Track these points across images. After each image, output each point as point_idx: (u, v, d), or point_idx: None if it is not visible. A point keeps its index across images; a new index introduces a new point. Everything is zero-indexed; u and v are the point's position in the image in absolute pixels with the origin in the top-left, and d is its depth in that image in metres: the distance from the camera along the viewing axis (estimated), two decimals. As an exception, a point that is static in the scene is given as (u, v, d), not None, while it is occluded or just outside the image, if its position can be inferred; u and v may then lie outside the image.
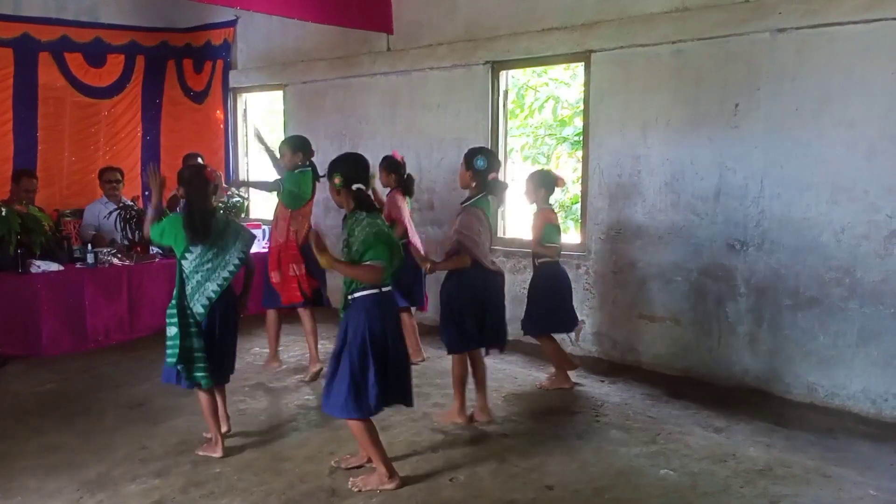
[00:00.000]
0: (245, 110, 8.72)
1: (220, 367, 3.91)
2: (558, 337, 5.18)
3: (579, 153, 6.74)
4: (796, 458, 3.89)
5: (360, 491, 3.50)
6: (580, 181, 5.93)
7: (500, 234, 6.33)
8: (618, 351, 5.65)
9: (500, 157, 6.30)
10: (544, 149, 8.90)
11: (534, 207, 5.04)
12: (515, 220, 6.66)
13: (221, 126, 8.33)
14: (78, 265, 5.97)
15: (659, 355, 5.41)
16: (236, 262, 3.87)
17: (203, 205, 3.79)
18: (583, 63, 5.73)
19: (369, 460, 3.65)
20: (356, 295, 3.44)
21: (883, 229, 4.42)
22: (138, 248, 6.43)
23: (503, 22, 6.05)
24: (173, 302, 3.76)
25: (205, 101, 8.36)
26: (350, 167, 3.52)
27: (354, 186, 3.45)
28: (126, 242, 6.49)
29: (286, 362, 5.58)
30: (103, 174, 6.82)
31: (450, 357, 4.37)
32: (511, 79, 6.61)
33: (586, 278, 5.72)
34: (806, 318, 4.73)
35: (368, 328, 3.38)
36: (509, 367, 5.49)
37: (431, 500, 3.45)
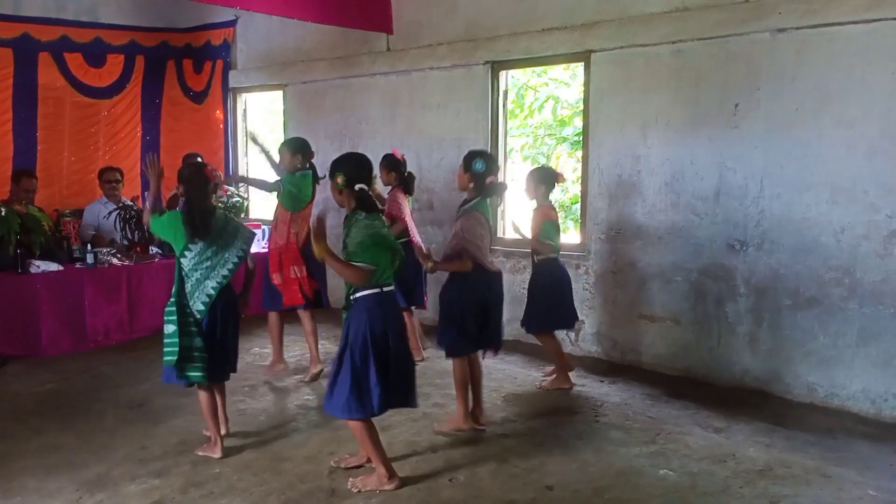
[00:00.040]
0: (245, 110, 8.72)
1: (221, 366, 3.91)
2: (559, 336, 5.18)
3: (579, 153, 6.74)
4: (796, 459, 3.89)
5: (359, 491, 3.50)
6: (580, 181, 5.93)
7: (499, 234, 6.33)
8: (617, 351, 5.65)
9: (500, 157, 6.32)
10: (544, 149, 8.91)
11: (533, 204, 5.04)
12: (515, 220, 6.63)
13: (221, 126, 8.33)
14: (77, 265, 5.97)
15: (659, 355, 5.41)
16: (235, 260, 3.86)
17: (203, 203, 3.80)
18: (582, 63, 5.73)
19: (369, 460, 3.65)
20: (357, 295, 3.43)
21: (883, 229, 4.41)
22: (138, 248, 6.43)
23: (503, 22, 6.05)
24: (172, 300, 3.75)
25: (204, 101, 8.36)
26: (353, 167, 3.51)
27: (357, 187, 3.44)
28: (125, 242, 6.49)
29: (285, 362, 5.57)
30: (103, 174, 6.83)
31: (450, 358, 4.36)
32: (511, 79, 6.61)
33: (586, 278, 5.72)
34: (806, 319, 4.73)
35: (369, 328, 3.37)
36: (509, 367, 5.49)
37: (431, 501, 3.44)
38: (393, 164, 5.42)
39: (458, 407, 4.25)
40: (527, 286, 5.19)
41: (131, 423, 4.41)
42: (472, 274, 4.11)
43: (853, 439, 4.19)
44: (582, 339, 5.75)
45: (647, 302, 5.45)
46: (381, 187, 5.30)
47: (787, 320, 4.80)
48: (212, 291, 3.77)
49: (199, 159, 6.69)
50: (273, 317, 5.32)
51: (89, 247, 6.05)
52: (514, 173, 7.30)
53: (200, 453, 3.94)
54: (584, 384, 5.12)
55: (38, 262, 5.71)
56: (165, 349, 3.74)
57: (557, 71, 8.49)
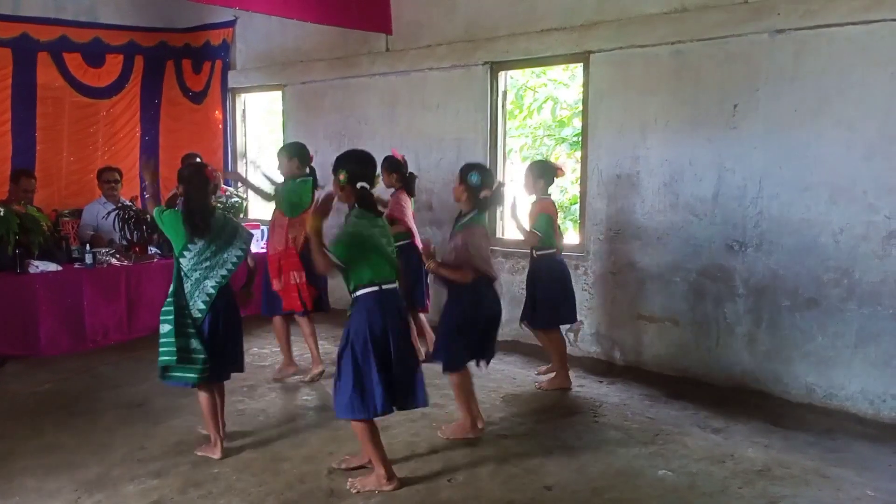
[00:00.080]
0: (244, 111, 8.72)
1: (222, 366, 3.91)
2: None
3: (578, 154, 6.74)
4: (795, 459, 3.89)
5: (358, 492, 3.50)
6: (579, 182, 5.93)
7: (498, 234, 6.34)
8: (616, 351, 5.65)
9: (500, 157, 6.33)
10: (543, 149, 8.92)
11: (532, 198, 5.04)
12: (516, 201, 6.60)
13: (220, 126, 8.31)
14: (76, 265, 5.97)
15: (658, 356, 5.41)
16: (234, 260, 3.87)
17: (203, 202, 3.80)
18: (582, 64, 5.73)
19: (370, 461, 3.65)
20: (358, 293, 3.43)
21: (881, 230, 4.42)
22: (137, 249, 6.42)
23: (502, 22, 6.05)
24: (170, 300, 3.75)
25: (203, 102, 8.35)
26: (356, 164, 3.51)
27: (359, 184, 3.45)
28: (124, 242, 6.48)
29: (296, 365, 5.53)
30: (102, 174, 6.82)
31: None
32: (510, 79, 6.61)
33: (585, 279, 5.73)
34: (804, 319, 4.73)
35: (369, 328, 3.37)
36: (508, 367, 5.49)
37: (430, 501, 3.45)
38: (394, 165, 5.41)
39: (463, 417, 4.18)
40: (525, 285, 5.18)
41: (130, 423, 4.41)
42: (481, 287, 4.09)
43: (852, 440, 4.20)
44: (581, 339, 5.76)
45: (646, 302, 5.45)
46: (381, 188, 5.28)
47: (786, 321, 4.80)
48: (211, 291, 3.77)
49: (198, 159, 6.69)
50: (278, 321, 5.30)
51: (88, 247, 6.04)
52: (513, 174, 7.31)
53: (200, 453, 3.94)
54: (583, 384, 5.12)
55: (36, 263, 5.70)
56: (161, 349, 3.73)
57: (556, 72, 8.49)
